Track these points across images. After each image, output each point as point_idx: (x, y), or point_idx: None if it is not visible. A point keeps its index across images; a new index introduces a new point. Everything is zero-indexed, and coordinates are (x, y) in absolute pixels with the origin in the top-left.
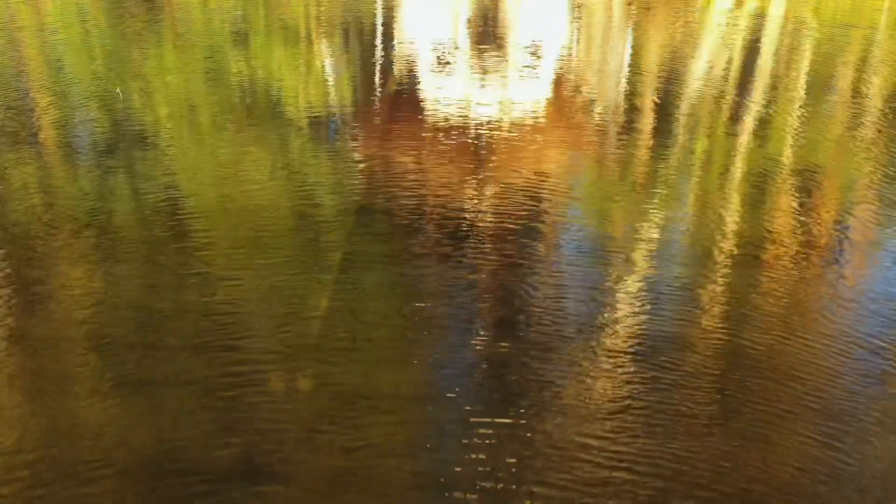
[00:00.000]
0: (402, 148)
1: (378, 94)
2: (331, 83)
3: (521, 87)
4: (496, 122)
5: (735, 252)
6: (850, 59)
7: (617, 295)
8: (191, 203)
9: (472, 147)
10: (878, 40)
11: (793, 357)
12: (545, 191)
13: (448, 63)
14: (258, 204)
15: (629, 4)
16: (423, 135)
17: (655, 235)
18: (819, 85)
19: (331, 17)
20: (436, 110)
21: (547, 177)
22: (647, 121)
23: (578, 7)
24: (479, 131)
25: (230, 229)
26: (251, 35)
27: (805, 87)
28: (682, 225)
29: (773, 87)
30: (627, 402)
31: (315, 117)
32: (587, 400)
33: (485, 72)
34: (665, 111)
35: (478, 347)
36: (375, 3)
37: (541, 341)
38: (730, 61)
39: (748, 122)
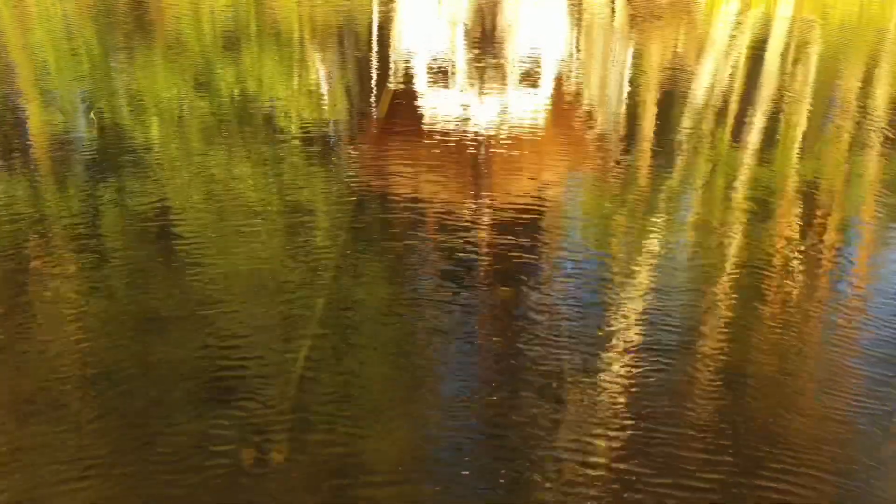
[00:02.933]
0: (399, 164)
1: (373, 108)
2: (324, 96)
3: (521, 100)
4: (494, 136)
5: (734, 274)
6: (858, 67)
7: (614, 321)
8: (181, 221)
9: (470, 163)
10: (888, 47)
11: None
12: (544, 209)
13: (445, 74)
14: (250, 220)
15: (631, 8)
16: (419, 150)
17: (654, 256)
18: (825, 95)
19: (325, 22)
20: (432, 124)
21: (547, 194)
22: (648, 133)
23: (579, 11)
24: (476, 145)
25: (221, 252)
26: (242, 42)
27: (811, 98)
28: (681, 247)
29: (779, 97)
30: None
31: (309, 132)
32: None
33: (482, 83)
34: (667, 122)
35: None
36: (371, 9)
37: (541, 371)
38: (734, 71)
39: (752, 135)
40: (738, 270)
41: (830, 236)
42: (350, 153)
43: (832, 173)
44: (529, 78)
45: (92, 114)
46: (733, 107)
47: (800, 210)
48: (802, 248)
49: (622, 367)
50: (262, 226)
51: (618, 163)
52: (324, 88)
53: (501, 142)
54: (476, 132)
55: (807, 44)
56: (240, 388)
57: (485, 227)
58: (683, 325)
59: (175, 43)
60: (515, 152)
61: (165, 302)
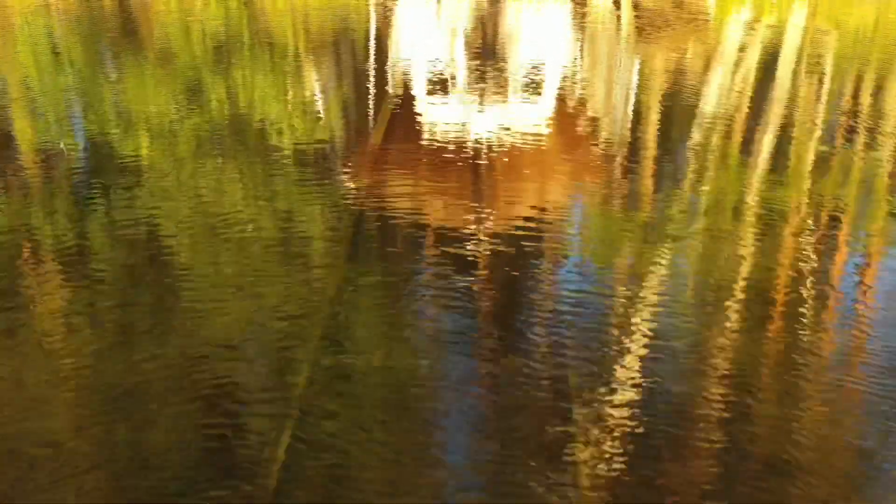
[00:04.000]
0: (396, 183)
1: (371, 125)
2: (320, 112)
3: (525, 116)
4: (499, 155)
5: (741, 306)
6: (873, 79)
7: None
8: (164, 252)
9: (474, 186)
10: None
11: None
12: (553, 237)
13: (445, 87)
14: (243, 248)
15: (638, 17)
16: (419, 170)
17: (658, 280)
18: (839, 109)
19: (320, 31)
20: (433, 142)
21: (556, 221)
22: (656, 150)
23: (583, 21)
24: (480, 165)
25: (209, 289)
26: (234, 54)
27: (824, 112)
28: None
29: (792, 111)
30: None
31: (303, 152)
32: None
33: (484, 98)
34: (675, 139)
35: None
36: (368, 18)
37: (553, 435)
38: (745, 83)
39: (764, 152)
40: (757, 305)
41: (849, 262)
42: (346, 174)
43: (847, 192)
44: (533, 93)
45: (62, 144)
46: (744, 121)
47: (815, 233)
48: (822, 275)
49: (636, 424)
50: (252, 257)
51: (627, 182)
52: (319, 103)
53: (506, 161)
54: (479, 151)
55: (820, 55)
56: (219, 462)
57: (492, 260)
58: (703, 381)
59: (163, 56)
60: (521, 172)
61: (141, 349)
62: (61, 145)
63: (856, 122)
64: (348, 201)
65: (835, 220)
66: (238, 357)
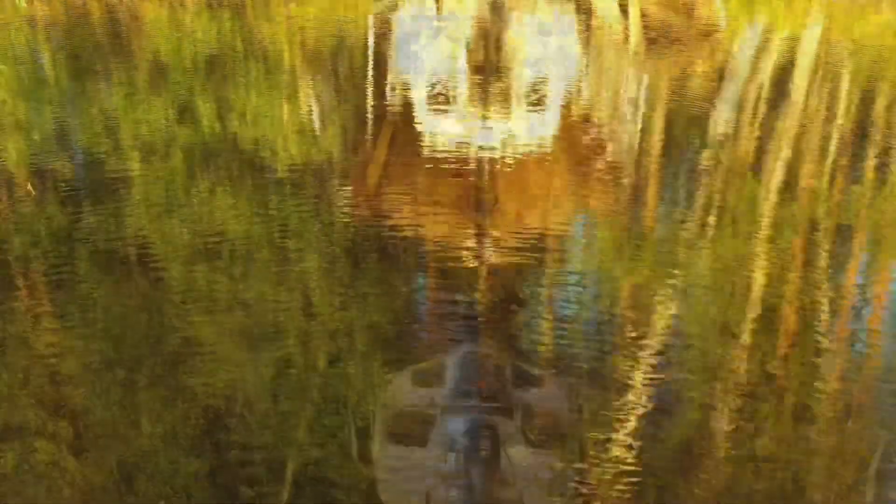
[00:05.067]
0: (397, 202)
1: (370, 145)
2: (317, 131)
3: (529, 133)
4: (498, 169)
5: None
6: (889, 95)
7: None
8: (157, 277)
9: (473, 199)
10: None
11: None
12: (558, 265)
13: (447, 104)
14: (236, 279)
15: (646, 31)
16: (421, 193)
17: (667, 305)
18: (854, 126)
19: (316, 44)
20: (435, 162)
21: (552, 235)
22: (663, 166)
23: (588, 33)
24: (484, 186)
25: (203, 317)
26: (227, 68)
27: (839, 129)
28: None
29: (805, 128)
30: None
31: (300, 173)
32: None
33: (485, 112)
34: (683, 156)
35: None
36: (366, 31)
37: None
38: (758, 99)
39: (777, 170)
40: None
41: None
42: (345, 197)
43: (864, 212)
44: (537, 109)
45: (29, 185)
46: (755, 139)
47: (830, 254)
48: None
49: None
50: (248, 284)
51: (636, 202)
52: (315, 122)
53: (510, 181)
54: (483, 171)
55: (836, 70)
56: None
57: (494, 291)
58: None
59: (154, 73)
60: (525, 192)
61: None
62: (28, 186)
63: (872, 136)
64: (346, 231)
65: (848, 231)
66: (231, 420)
